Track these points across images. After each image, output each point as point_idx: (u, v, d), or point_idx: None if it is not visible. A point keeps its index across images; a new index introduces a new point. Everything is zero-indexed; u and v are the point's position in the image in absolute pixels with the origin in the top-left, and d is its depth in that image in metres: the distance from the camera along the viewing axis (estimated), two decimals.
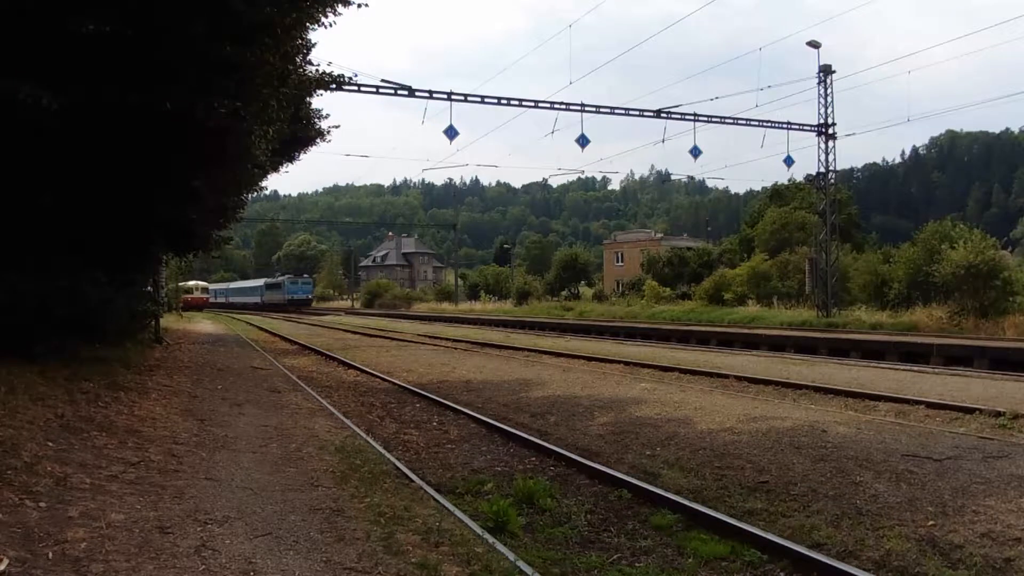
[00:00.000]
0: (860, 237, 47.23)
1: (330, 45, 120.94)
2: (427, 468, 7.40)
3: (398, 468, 6.80)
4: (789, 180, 47.32)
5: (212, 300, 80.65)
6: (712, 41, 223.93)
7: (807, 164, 59.41)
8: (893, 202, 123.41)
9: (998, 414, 8.66)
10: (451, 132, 23.88)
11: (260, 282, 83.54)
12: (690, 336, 25.78)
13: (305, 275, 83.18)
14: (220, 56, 7.78)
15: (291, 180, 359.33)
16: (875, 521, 5.32)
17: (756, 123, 28.23)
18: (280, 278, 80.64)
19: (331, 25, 9.71)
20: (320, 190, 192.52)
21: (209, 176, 11.27)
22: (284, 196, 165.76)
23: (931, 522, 5.18)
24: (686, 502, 5.93)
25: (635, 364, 15.25)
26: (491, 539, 4.81)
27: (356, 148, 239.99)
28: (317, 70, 14.87)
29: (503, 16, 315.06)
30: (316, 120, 18.75)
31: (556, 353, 18.08)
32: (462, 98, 24.73)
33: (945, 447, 6.95)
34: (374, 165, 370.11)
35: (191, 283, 70.48)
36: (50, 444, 5.79)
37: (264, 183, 19.97)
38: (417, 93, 24.06)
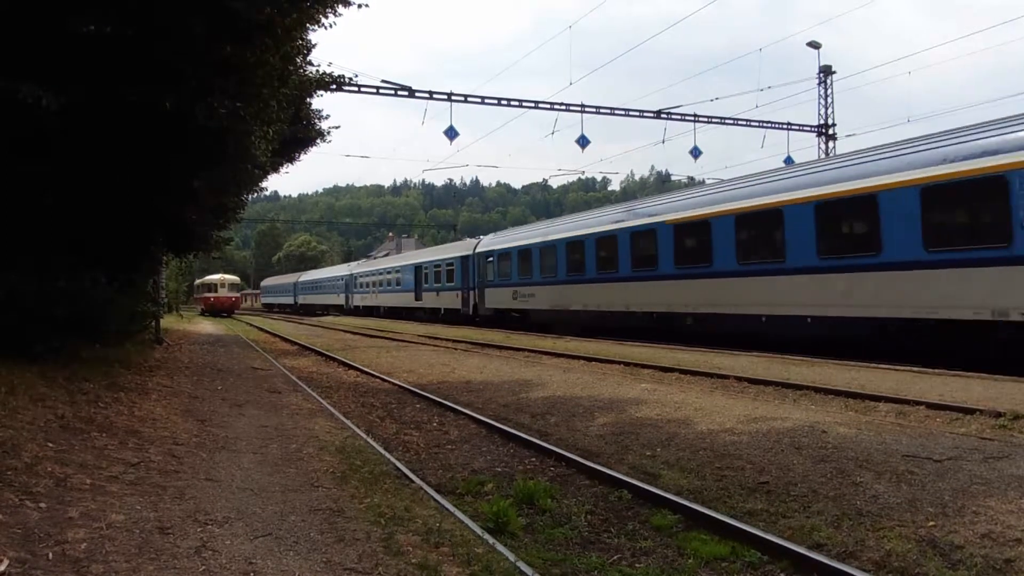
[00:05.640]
0: None
1: (331, 45, 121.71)
2: (427, 469, 7.40)
3: (398, 468, 6.80)
4: None
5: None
6: (712, 41, 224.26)
7: None
8: None
9: (998, 415, 8.64)
10: (451, 133, 23.93)
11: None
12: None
13: None
14: (220, 56, 7.81)
15: (291, 180, 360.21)
16: (875, 522, 5.32)
17: (756, 123, 28.30)
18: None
19: (331, 26, 9.75)
20: (320, 190, 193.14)
21: (209, 176, 11.29)
22: (284, 196, 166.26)
23: (931, 523, 5.18)
24: (686, 503, 5.92)
25: (635, 364, 15.23)
26: (491, 540, 4.81)
27: (356, 148, 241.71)
28: (317, 70, 14.95)
29: (504, 16, 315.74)
30: (316, 120, 18.82)
31: (556, 353, 18.06)
32: (462, 99, 24.76)
33: (945, 448, 6.94)
34: (374, 165, 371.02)
35: (214, 277, 54.67)
36: (50, 445, 5.78)
37: (264, 183, 20.06)
38: (417, 94, 24.10)
